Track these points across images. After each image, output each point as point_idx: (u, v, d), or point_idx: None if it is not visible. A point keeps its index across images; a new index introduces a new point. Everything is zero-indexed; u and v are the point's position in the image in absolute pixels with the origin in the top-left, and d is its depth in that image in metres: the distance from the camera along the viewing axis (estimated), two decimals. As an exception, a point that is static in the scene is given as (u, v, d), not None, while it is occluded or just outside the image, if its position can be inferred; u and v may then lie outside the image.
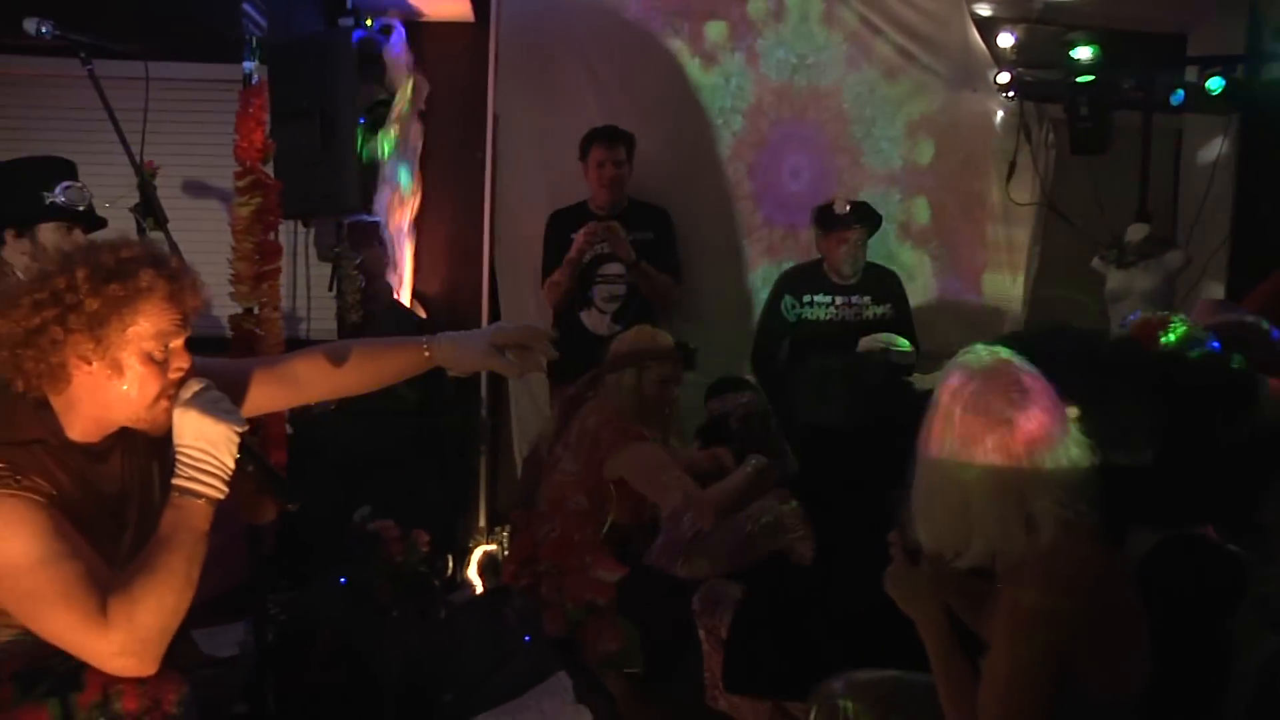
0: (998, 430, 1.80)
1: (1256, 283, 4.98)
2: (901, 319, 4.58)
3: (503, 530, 4.75)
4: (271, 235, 4.03)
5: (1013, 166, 5.15)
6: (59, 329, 1.76)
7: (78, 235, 2.87)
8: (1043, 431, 1.80)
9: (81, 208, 2.95)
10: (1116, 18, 5.24)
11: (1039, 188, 5.21)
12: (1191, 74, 5.00)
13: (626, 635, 2.65)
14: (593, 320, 4.56)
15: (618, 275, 4.53)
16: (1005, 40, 5.04)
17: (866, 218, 4.53)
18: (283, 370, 2.20)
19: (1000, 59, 5.06)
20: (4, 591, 1.72)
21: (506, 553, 4.55)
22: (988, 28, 5.13)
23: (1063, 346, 2.23)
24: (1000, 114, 5.19)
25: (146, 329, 1.81)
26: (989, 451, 1.80)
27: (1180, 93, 4.88)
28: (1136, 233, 4.84)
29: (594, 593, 2.70)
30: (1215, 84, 4.72)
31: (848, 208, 4.45)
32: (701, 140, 5.17)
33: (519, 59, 5.03)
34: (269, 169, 3.58)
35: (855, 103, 5.17)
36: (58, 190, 2.90)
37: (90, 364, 1.81)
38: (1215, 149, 5.26)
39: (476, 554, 4.55)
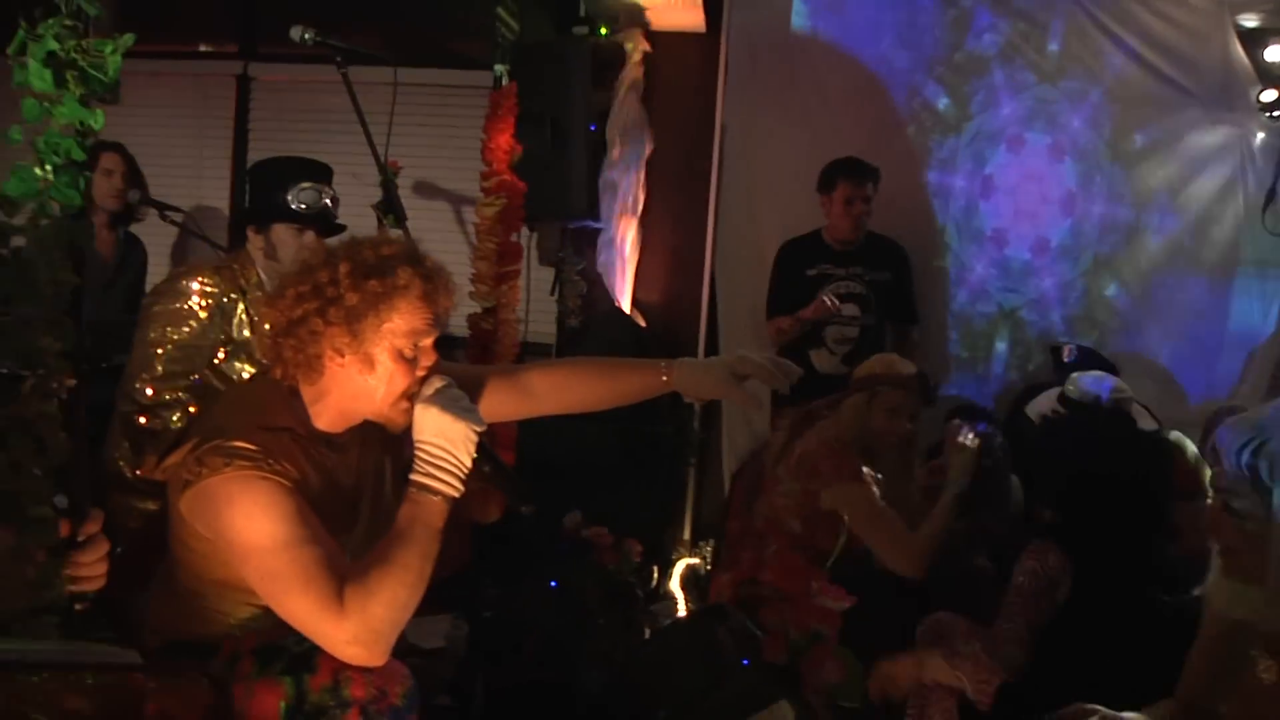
0: None
1: None
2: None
3: (706, 545, 4.71)
4: (514, 236, 4.13)
5: (1271, 194, 4.73)
6: (319, 320, 1.82)
7: (309, 237, 2.87)
8: None
9: (314, 211, 2.92)
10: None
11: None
12: None
13: (849, 667, 2.54)
14: (821, 360, 4.38)
15: (853, 317, 4.39)
16: (1275, 54, 4.64)
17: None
18: (519, 380, 2.21)
19: (1266, 75, 4.64)
20: (250, 569, 1.77)
21: (709, 568, 4.51)
22: (1253, 40, 4.72)
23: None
24: (1261, 135, 4.76)
25: (400, 325, 1.85)
26: None
27: None
28: None
29: (819, 621, 2.59)
30: None
31: None
32: (924, 168, 4.97)
33: (748, 71, 4.95)
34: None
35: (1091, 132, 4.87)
36: (294, 192, 2.90)
37: (344, 357, 1.86)
38: None
39: (679, 567, 4.48)
